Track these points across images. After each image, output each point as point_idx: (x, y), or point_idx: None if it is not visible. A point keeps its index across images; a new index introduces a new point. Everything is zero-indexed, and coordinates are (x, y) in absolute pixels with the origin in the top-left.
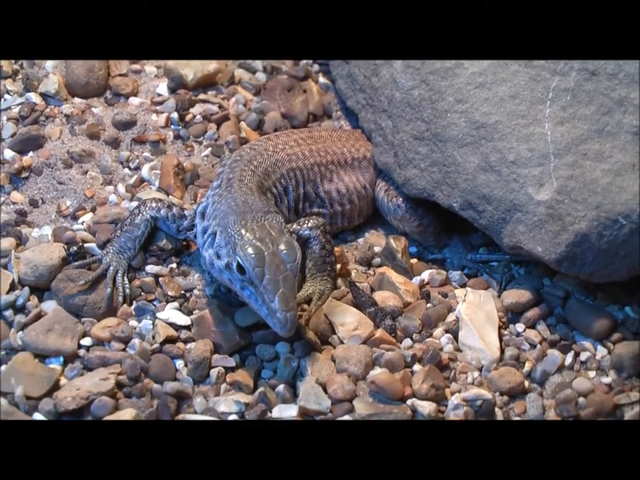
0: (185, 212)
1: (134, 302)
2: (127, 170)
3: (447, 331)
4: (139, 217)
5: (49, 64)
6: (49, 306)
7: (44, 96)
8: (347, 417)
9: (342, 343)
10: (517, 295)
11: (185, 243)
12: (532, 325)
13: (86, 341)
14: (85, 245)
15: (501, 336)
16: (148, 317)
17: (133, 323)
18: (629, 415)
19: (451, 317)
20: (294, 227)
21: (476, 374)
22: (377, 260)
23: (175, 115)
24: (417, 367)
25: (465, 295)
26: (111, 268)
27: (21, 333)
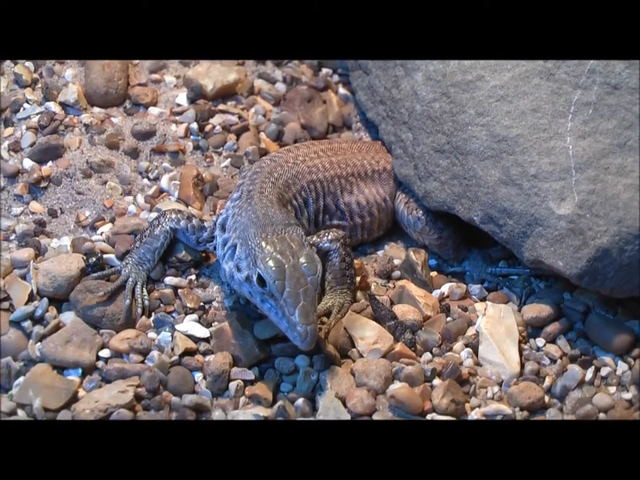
0: (205, 223)
1: (153, 314)
2: (146, 180)
3: (466, 345)
4: (159, 229)
5: (68, 73)
6: (68, 317)
7: (63, 105)
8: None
9: (361, 356)
10: (537, 310)
11: (204, 255)
12: (552, 340)
13: (104, 353)
14: (104, 255)
15: (521, 350)
16: (167, 329)
17: (151, 334)
18: None
19: (470, 331)
20: (314, 239)
21: (496, 389)
22: (397, 273)
23: (194, 126)
24: (436, 381)
25: (485, 309)
26: (130, 279)
27: (39, 344)
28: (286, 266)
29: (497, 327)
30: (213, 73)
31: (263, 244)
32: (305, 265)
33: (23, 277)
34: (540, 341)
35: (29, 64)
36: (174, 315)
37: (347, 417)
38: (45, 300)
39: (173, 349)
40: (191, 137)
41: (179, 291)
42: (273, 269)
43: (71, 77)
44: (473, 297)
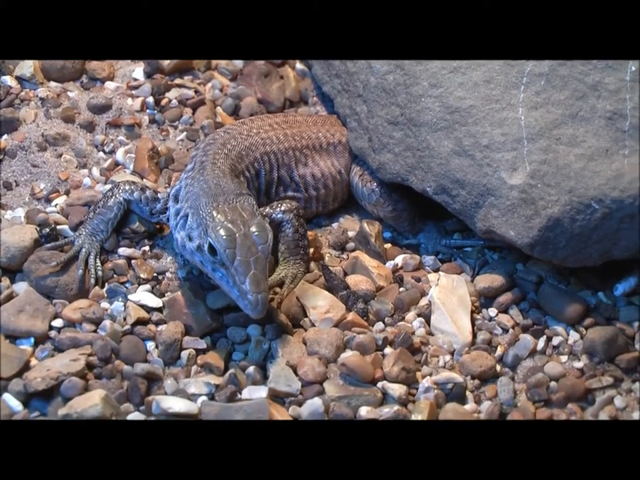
0: (158, 195)
1: (106, 284)
2: (101, 153)
3: (419, 315)
4: (112, 200)
5: None
6: (21, 287)
7: (19, 79)
8: (317, 399)
9: (313, 325)
10: (489, 280)
11: (157, 226)
12: (504, 310)
13: (57, 322)
14: (58, 227)
15: (473, 320)
16: (119, 299)
17: (104, 304)
18: (599, 399)
19: (423, 301)
20: (267, 210)
21: (447, 357)
22: (351, 244)
23: (150, 99)
24: (388, 349)
25: (438, 279)
26: (83, 250)
27: None
28: (237, 235)
29: (449, 297)
30: None
31: (214, 213)
32: (256, 233)
33: None
34: (492, 311)
35: None
36: (127, 285)
37: (298, 384)
38: None
39: (125, 319)
40: (147, 110)
41: (133, 261)
42: (224, 237)
43: None
44: (427, 268)
